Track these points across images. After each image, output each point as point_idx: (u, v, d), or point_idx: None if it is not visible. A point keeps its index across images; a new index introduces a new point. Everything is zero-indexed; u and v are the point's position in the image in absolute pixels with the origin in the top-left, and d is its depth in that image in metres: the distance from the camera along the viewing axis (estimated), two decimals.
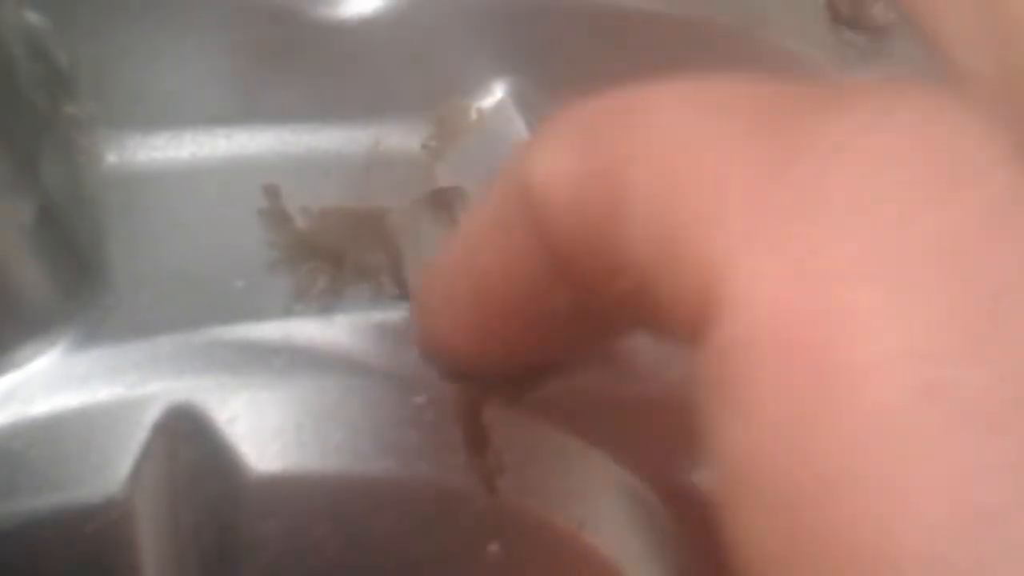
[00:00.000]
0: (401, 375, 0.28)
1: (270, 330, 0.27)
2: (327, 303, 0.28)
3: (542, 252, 0.20)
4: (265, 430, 0.27)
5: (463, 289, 0.23)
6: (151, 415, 0.26)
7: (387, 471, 0.28)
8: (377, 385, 0.28)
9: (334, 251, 0.29)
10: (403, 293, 0.29)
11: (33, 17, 0.28)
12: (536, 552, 0.31)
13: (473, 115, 0.33)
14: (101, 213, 0.28)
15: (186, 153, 0.30)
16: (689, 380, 0.17)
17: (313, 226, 0.30)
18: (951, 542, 0.13)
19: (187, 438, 0.26)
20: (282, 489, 0.27)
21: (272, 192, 0.30)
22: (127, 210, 0.29)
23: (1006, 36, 0.17)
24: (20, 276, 0.25)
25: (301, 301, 0.28)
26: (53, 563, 0.26)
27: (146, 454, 0.26)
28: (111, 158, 0.29)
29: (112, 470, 0.26)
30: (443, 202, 0.32)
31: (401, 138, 0.32)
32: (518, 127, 0.32)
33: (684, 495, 0.33)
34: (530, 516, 0.30)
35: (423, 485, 0.28)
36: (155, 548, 0.26)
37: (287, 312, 0.28)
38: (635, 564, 0.33)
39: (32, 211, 0.25)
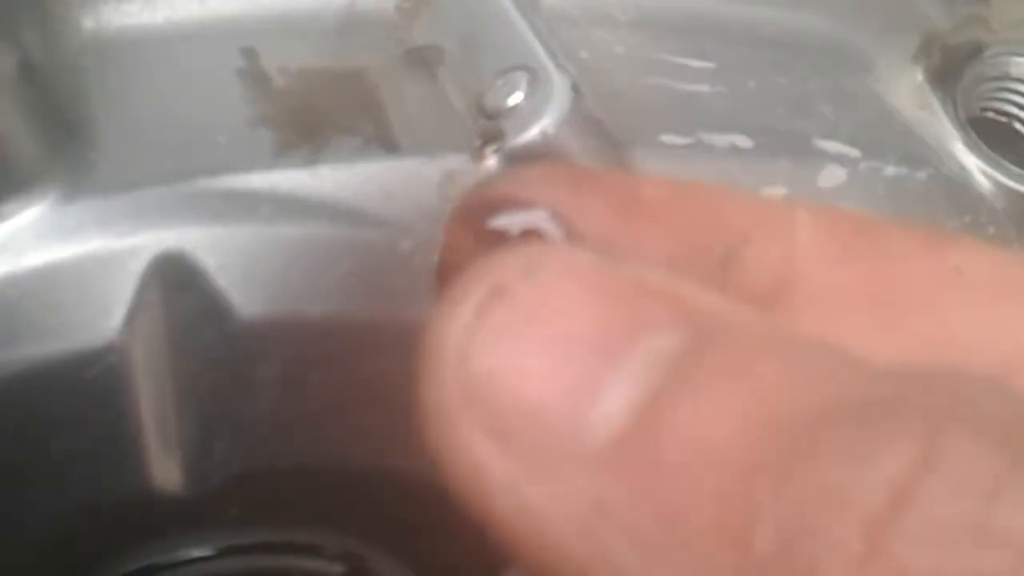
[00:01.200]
0: (387, 222, 0.28)
1: (256, 180, 0.28)
2: (311, 156, 0.28)
3: None
4: (255, 276, 0.27)
5: None
6: (141, 263, 0.26)
7: (377, 314, 0.28)
8: (363, 232, 0.28)
9: (315, 107, 0.30)
10: (388, 147, 0.29)
11: None
12: None
13: None
14: (81, 76, 0.28)
15: (160, 18, 0.30)
16: None
17: (292, 85, 0.30)
18: None
19: (178, 285, 0.27)
20: (274, 333, 0.27)
21: (250, 54, 0.30)
22: (107, 73, 0.29)
23: None
24: (4, 127, 0.25)
25: (285, 155, 0.28)
26: (56, 410, 0.26)
27: (139, 301, 0.26)
28: (87, 23, 0.29)
29: (108, 317, 0.26)
30: (421, 60, 0.32)
31: None
32: None
33: None
34: None
35: (416, 327, 0.28)
36: (154, 394, 0.27)
37: (271, 165, 0.28)
38: None
39: (12, 63, 0.25)
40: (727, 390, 0.15)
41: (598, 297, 0.16)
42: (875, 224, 0.20)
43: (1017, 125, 0.43)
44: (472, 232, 0.21)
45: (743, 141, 0.33)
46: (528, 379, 0.16)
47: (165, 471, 0.28)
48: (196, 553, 0.30)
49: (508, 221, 0.20)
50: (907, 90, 0.40)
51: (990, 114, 0.43)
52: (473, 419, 0.16)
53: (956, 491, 0.13)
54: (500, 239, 0.20)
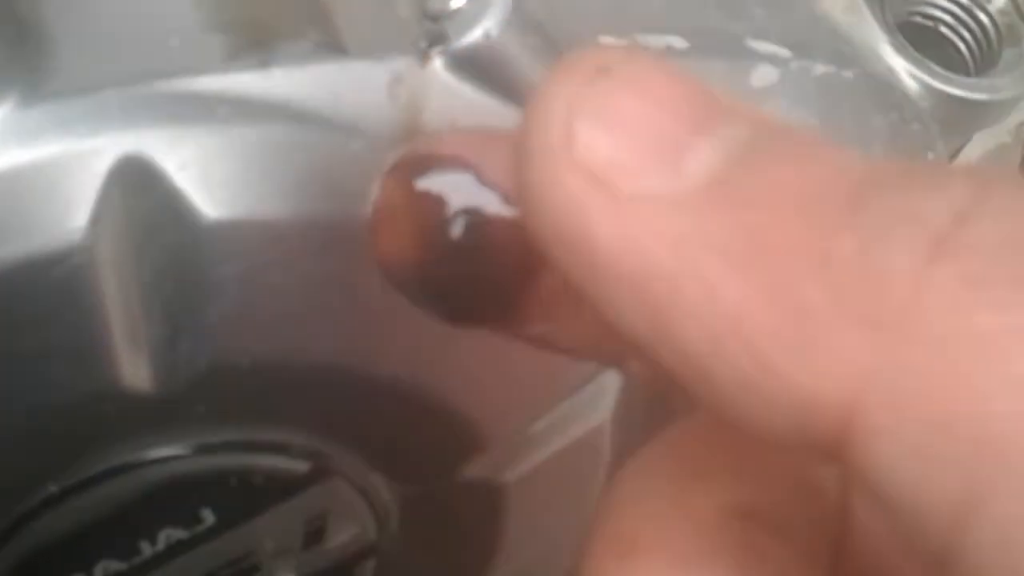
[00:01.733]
0: (339, 123, 0.29)
1: (210, 83, 0.28)
2: (263, 58, 0.29)
3: None
4: (214, 177, 0.28)
5: None
6: (103, 165, 0.27)
7: (334, 214, 0.29)
8: (317, 132, 0.29)
9: (261, 15, 0.30)
10: (337, 45, 0.30)
11: None
12: None
13: None
14: None
15: None
16: None
17: None
18: None
19: (140, 187, 0.27)
20: (235, 234, 0.28)
21: None
22: None
23: None
24: None
25: (237, 58, 0.29)
26: (24, 309, 0.27)
27: (103, 202, 0.27)
28: None
29: (72, 218, 0.27)
30: None
31: None
32: None
33: None
34: None
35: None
36: (120, 295, 0.28)
37: (225, 67, 0.29)
38: None
39: None
40: (805, 156, 0.18)
41: (683, 86, 0.20)
42: None
43: (943, 28, 0.45)
44: (404, 188, 0.25)
45: (678, 42, 0.35)
46: (631, 131, 0.19)
47: (133, 368, 0.29)
48: (166, 452, 0.31)
49: (433, 180, 0.24)
50: None
51: (917, 19, 0.45)
52: (575, 160, 0.19)
53: (1006, 215, 0.16)
54: (428, 198, 0.24)
